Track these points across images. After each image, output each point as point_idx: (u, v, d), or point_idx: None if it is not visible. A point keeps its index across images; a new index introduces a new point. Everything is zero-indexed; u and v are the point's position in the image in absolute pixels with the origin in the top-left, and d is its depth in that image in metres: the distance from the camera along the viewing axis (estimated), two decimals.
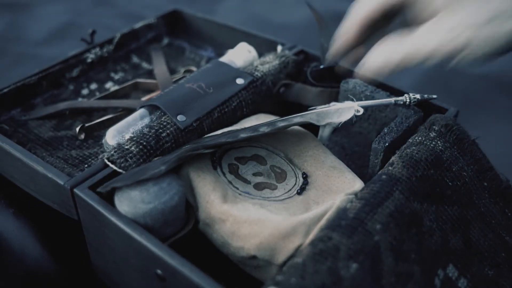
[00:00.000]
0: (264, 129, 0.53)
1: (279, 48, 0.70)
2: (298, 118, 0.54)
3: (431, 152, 0.52)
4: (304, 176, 0.53)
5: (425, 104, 0.60)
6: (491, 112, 0.86)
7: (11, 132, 0.63)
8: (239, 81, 0.60)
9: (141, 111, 0.58)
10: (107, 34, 0.77)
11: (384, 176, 0.48)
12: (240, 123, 0.59)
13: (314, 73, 0.65)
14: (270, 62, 0.65)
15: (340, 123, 0.57)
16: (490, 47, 0.41)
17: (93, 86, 0.72)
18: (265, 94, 0.62)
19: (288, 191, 0.52)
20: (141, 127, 0.56)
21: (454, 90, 0.90)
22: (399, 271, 0.44)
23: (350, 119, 0.54)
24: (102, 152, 0.58)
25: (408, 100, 0.55)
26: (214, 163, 0.51)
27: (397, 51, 0.43)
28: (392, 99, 0.55)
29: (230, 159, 0.53)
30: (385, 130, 0.55)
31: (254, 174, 0.53)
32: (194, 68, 0.74)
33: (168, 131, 0.53)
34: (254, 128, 0.53)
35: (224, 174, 0.51)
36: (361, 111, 0.53)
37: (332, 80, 0.65)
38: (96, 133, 0.63)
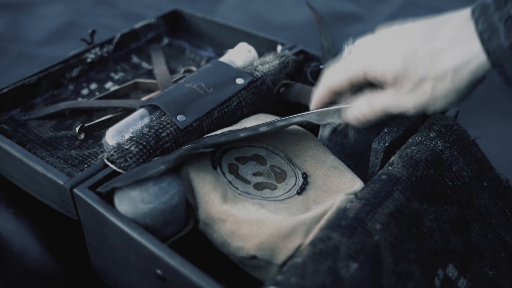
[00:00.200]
0: (264, 129, 0.53)
1: (279, 48, 0.70)
2: (298, 118, 0.54)
3: (431, 152, 0.51)
4: (304, 176, 0.53)
5: None
6: (491, 112, 0.86)
7: (11, 132, 0.63)
8: (239, 81, 0.60)
9: (141, 111, 0.58)
10: (107, 34, 0.77)
11: (384, 176, 0.48)
12: (240, 123, 0.58)
13: (314, 73, 0.65)
14: (270, 62, 0.65)
15: (341, 123, 0.57)
16: (459, 90, 0.44)
17: (93, 86, 0.72)
18: (265, 94, 0.62)
19: (288, 191, 0.52)
20: (141, 127, 0.56)
21: None
22: (399, 271, 0.44)
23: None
24: (102, 152, 0.58)
25: None
26: (214, 163, 0.51)
27: (373, 107, 0.48)
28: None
29: (230, 159, 0.53)
30: (385, 130, 0.55)
31: (254, 174, 0.53)
32: (194, 68, 0.74)
33: (168, 131, 0.53)
34: (254, 128, 0.53)
35: (224, 174, 0.51)
36: None
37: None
38: (96, 133, 0.63)
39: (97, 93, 0.71)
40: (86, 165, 0.58)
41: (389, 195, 0.47)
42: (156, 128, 0.53)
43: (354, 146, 0.65)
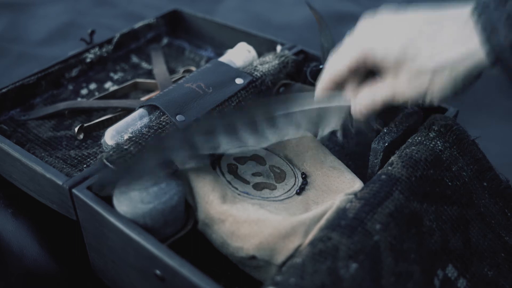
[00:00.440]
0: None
1: (279, 48, 0.70)
2: (292, 129, 0.53)
3: (431, 152, 0.51)
4: (304, 176, 0.53)
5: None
6: (491, 112, 0.86)
7: (10, 132, 0.63)
8: (239, 81, 0.60)
9: (140, 111, 0.58)
10: (107, 34, 0.77)
11: (383, 176, 0.48)
12: None
13: (313, 73, 0.65)
14: (269, 62, 0.64)
15: (338, 128, 0.57)
16: (455, 83, 0.44)
17: (93, 86, 0.72)
18: (264, 94, 0.62)
19: (287, 191, 0.51)
20: (140, 127, 0.56)
21: None
22: (399, 271, 0.44)
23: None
24: (101, 152, 0.58)
25: None
26: (213, 163, 0.51)
27: (376, 95, 0.48)
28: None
29: (229, 159, 0.53)
30: (385, 130, 0.55)
31: (254, 174, 0.52)
32: (193, 68, 0.74)
33: (167, 131, 0.53)
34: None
35: (223, 174, 0.51)
36: None
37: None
38: (95, 133, 0.63)
39: (96, 93, 0.71)
40: (85, 165, 0.58)
41: (388, 195, 0.47)
42: (156, 128, 0.53)
43: (353, 146, 0.65)
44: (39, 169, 0.52)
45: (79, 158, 0.59)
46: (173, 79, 0.71)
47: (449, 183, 0.51)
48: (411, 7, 0.47)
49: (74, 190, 0.49)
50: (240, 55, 0.68)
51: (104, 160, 0.50)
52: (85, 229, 0.51)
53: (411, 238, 0.46)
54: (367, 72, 0.49)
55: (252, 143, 0.51)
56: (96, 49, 0.74)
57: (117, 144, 0.52)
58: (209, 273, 0.42)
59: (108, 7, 1.12)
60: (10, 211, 0.58)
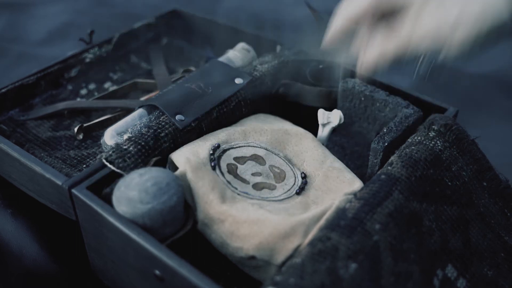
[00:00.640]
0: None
1: (278, 47, 0.70)
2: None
3: (431, 151, 0.51)
4: (303, 176, 0.53)
5: (425, 104, 0.60)
6: (491, 112, 0.86)
7: (9, 132, 0.63)
8: (238, 81, 0.60)
9: (140, 111, 0.58)
10: (106, 34, 0.77)
11: (383, 176, 0.48)
12: (238, 123, 0.58)
13: (313, 73, 0.65)
14: (269, 62, 0.64)
15: (340, 123, 0.57)
16: (478, 30, 0.42)
17: (92, 86, 0.72)
18: (264, 94, 0.62)
19: (287, 191, 0.51)
20: (140, 127, 0.56)
21: (454, 90, 0.90)
22: (398, 271, 0.44)
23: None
24: (101, 152, 0.58)
25: None
26: (213, 163, 0.51)
27: (389, 44, 0.45)
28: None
29: (228, 159, 0.53)
30: (384, 130, 0.55)
31: (253, 174, 0.52)
32: (193, 68, 0.74)
33: (166, 131, 0.53)
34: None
35: (222, 174, 0.51)
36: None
37: (332, 80, 0.65)
38: (94, 133, 0.63)
39: (96, 93, 0.71)
40: (84, 165, 0.58)
41: (388, 195, 0.47)
42: (155, 128, 0.53)
43: (353, 146, 0.65)
44: (38, 169, 0.52)
45: (78, 158, 0.59)
46: (173, 79, 0.70)
47: (449, 183, 0.51)
48: None
49: (73, 190, 0.49)
50: (239, 55, 0.68)
51: (104, 160, 0.50)
52: (85, 229, 0.51)
53: (411, 238, 0.46)
54: (380, 18, 0.47)
55: None
56: (96, 49, 0.74)
57: (117, 144, 0.52)
58: (209, 273, 0.42)
59: (107, 7, 1.12)
60: (9, 211, 0.58)
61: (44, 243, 0.57)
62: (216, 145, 0.53)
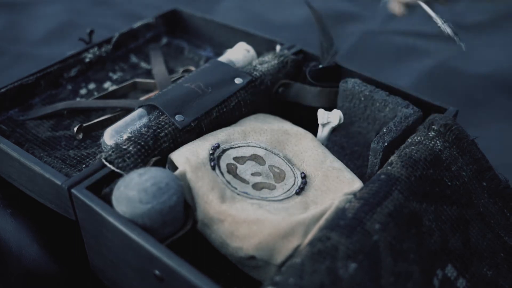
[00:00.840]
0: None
1: (278, 47, 0.70)
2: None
3: (430, 151, 0.51)
4: (303, 176, 0.53)
5: (425, 104, 0.60)
6: (491, 112, 0.86)
7: (9, 132, 0.62)
8: (238, 80, 0.60)
9: (139, 111, 0.58)
10: (106, 33, 0.77)
11: (383, 176, 0.48)
12: (238, 123, 0.58)
13: (313, 73, 0.65)
14: (269, 61, 0.64)
15: (339, 123, 0.57)
16: None
17: (92, 86, 0.72)
18: (263, 93, 0.62)
19: (286, 191, 0.51)
20: (139, 127, 0.56)
21: (454, 90, 0.90)
22: (398, 271, 0.44)
23: None
24: (100, 152, 0.58)
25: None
26: (213, 162, 0.51)
27: None
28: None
29: (228, 159, 0.53)
30: (384, 130, 0.55)
31: (253, 174, 0.52)
32: (192, 68, 0.74)
33: (166, 131, 0.53)
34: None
35: (222, 174, 0.51)
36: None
37: (331, 80, 0.65)
38: (94, 133, 0.63)
39: (95, 93, 0.71)
40: (84, 165, 0.58)
41: (388, 195, 0.46)
42: (155, 128, 0.53)
43: (353, 146, 0.65)
44: (38, 169, 0.52)
45: (78, 158, 0.59)
46: (172, 79, 0.70)
47: (449, 183, 0.51)
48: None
49: (73, 190, 0.49)
50: (239, 54, 0.68)
51: (103, 160, 0.50)
52: (84, 229, 0.51)
53: (411, 238, 0.46)
54: None
55: None
56: (95, 49, 0.74)
57: (116, 144, 0.52)
58: (209, 273, 0.42)
59: (107, 6, 1.12)
60: (9, 211, 0.58)
61: (43, 243, 0.57)
62: (215, 145, 0.53)
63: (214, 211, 0.47)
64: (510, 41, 1.03)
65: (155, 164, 0.51)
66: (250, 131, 0.56)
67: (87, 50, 0.74)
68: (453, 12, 1.03)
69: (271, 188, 0.52)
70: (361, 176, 0.54)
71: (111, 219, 0.45)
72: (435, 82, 0.92)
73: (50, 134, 0.63)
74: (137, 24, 0.80)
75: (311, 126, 0.59)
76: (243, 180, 0.51)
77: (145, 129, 0.53)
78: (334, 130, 0.58)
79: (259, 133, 0.56)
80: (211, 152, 0.52)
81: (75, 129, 0.62)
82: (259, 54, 0.70)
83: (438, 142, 0.52)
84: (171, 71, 0.75)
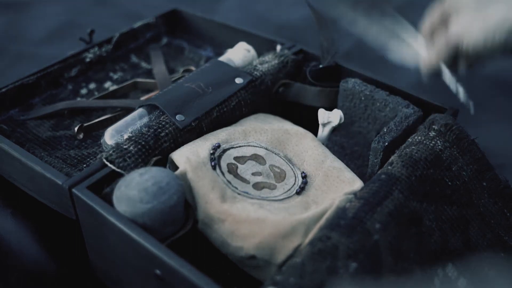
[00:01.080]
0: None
1: (278, 47, 0.70)
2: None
3: (431, 151, 0.51)
4: (304, 175, 0.53)
5: (425, 104, 0.60)
6: (491, 112, 0.86)
7: (9, 132, 0.62)
8: (238, 80, 0.60)
9: (140, 110, 0.58)
10: (106, 33, 0.77)
11: (383, 176, 0.48)
12: (239, 123, 0.58)
13: (313, 73, 0.65)
14: (269, 61, 0.64)
15: (340, 123, 0.57)
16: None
17: (92, 85, 0.72)
18: (264, 93, 0.62)
19: (287, 191, 0.51)
20: (140, 127, 0.56)
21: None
22: (399, 271, 0.44)
23: None
24: (101, 151, 0.58)
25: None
26: (213, 162, 0.51)
27: (443, 42, 0.59)
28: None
29: (229, 158, 0.53)
30: (385, 130, 0.55)
31: (253, 174, 0.52)
32: (193, 68, 0.74)
33: (166, 131, 0.53)
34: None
35: (223, 173, 0.51)
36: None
37: (332, 80, 0.65)
38: (94, 133, 0.63)
39: (96, 93, 0.71)
40: (85, 165, 0.58)
41: (388, 194, 0.47)
42: (155, 127, 0.53)
43: (353, 146, 0.65)
44: (38, 168, 0.52)
45: (78, 158, 0.59)
46: (173, 79, 0.70)
47: (449, 183, 0.51)
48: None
49: (73, 190, 0.49)
50: (239, 54, 0.68)
51: (104, 160, 0.50)
52: (85, 229, 0.51)
53: (411, 238, 0.46)
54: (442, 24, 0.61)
55: None
56: (96, 48, 0.74)
57: (117, 144, 0.52)
58: (209, 273, 0.42)
59: (107, 6, 1.12)
60: (9, 211, 0.58)
61: (44, 243, 0.57)
62: (216, 145, 0.53)
63: (214, 210, 0.47)
64: None
65: (156, 164, 0.51)
66: (250, 130, 0.56)
67: (88, 50, 0.74)
68: None
69: (272, 187, 0.52)
70: (361, 176, 0.54)
71: (111, 219, 0.45)
72: (435, 81, 0.92)
73: (51, 134, 0.63)
74: (137, 24, 0.80)
75: (312, 126, 0.59)
76: (244, 180, 0.51)
77: (146, 129, 0.53)
78: (334, 130, 0.58)
79: (260, 133, 0.56)
80: (211, 151, 0.52)
81: (76, 129, 0.62)
82: (259, 54, 0.70)
83: (438, 142, 0.52)
84: (171, 71, 0.75)
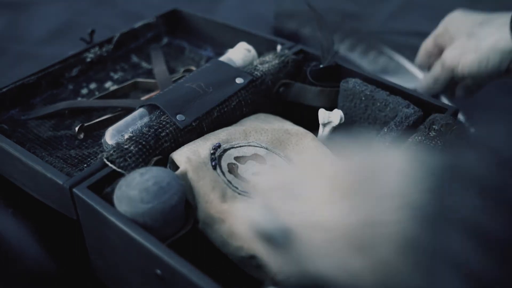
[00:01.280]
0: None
1: (279, 47, 0.70)
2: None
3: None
4: None
5: (425, 104, 0.60)
6: (491, 112, 0.86)
7: (10, 132, 0.63)
8: (239, 80, 0.60)
9: (140, 110, 0.58)
10: (107, 33, 0.77)
11: None
12: (239, 123, 0.58)
13: (313, 73, 0.65)
14: (269, 61, 0.64)
15: (340, 123, 0.57)
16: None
17: (93, 85, 0.72)
18: (264, 93, 0.62)
19: None
20: (140, 127, 0.56)
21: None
22: None
23: None
24: (102, 151, 0.58)
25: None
26: (213, 162, 0.51)
27: (439, 69, 0.69)
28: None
29: (229, 158, 0.53)
30: (385, 130, 0.55)
31: (254, 174, 0.52)
32: (193, 68, 0.74)
33: (167, 131, 0.53)
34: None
35: (223, 173, 0.51)
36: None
37: (332, 80, 0.65)
38: (95, 133, 0.63)
39: (96, 93, 0.71)
40: (85, 165, 0.58)
41: None
42: (156, 127, 0.53)
43: None
44: (39, 168, 0.52)
45: (79, 158, 0.59)
46: (173, 79, 0.71)
47: None
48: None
49: (74, 190, 0.49)
50: (240, 54, 0.68)
51: (105, 160, 0.50)
52: (86, 228, 0.51)
53: None
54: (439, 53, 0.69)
55: None
56: (96, 48, 0.74)
57: (118, 144, 0.52)
58: (209, 273, 0.42)
59: (108, 6, 1.12)
60: (10, 211, 0.58)
61: (44, 243, 0.57)
62: (217, 145, 0.53)
63: (215, 210, 0.47)
64: None
65: (156, 164, 0.51)
66: (251, 130, 0.56)
67: (88, 50, 0.74)
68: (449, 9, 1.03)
69: None
70: None
71: (112, 219, 0.45)
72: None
73: (52, 134, 0.63)
74: (138, 24, 0.80)
75: (312, 126, 0.59)
76: (244, 180, 0.51)
77: (146, 129, 0.53)
78: (334, 129, 0.58)
79: (260, 132, 0.56)
80: (212, 151, 0.52)
81: (77, 128, 0.62)
82: (259, 54, 0.70)
83: (439, 142, 0.52)
84: (172, 71, 0.75)
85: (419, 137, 0.53)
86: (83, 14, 1.09)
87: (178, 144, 0.54)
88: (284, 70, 0.65)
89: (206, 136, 0.55)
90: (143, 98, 0.68)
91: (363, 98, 0.61)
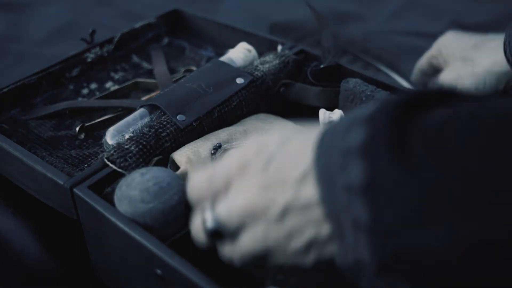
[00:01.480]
0: None
1: (279, 47, 0.70)
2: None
3: None
4: None
5: None
6: None
7: (10, 132, 0.63)
8: (239, 80, 0.60)
9: (141, 110, 0.58)
10: (107, 33, 0.77)
11: None
12: (240, 123, 0.58)
13: (314, 73, 0.65)
14: (270, 61, 0.64)
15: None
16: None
17: (93, 85, 0.72)
18: (265, 93, 0.62)
19: None
20: (141, 127, 0.56)
21: None
22: None
23: None
24: (102, 151, 0.58)
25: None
26: (214, 162, 0.51)
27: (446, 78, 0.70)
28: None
29: None
30: None
31: None
32: (194, 68, 0.74)
33: (168, 131, 0.53)
34: None
35: None
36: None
37: (332, 80, 0.65)
38: (96, 133, 0.63)
39: (97, 93, 0.71)
40: (86, 165, 0.58)
41: None
42: (156, 127, 0.53)
43: None
44: (40, 168, 0.52)
45: (80, 158, 0.59)
46: (174, 79, 0.71)
47: None
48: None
49: (75, 190, 0.49)
50: (240, 54, 0.68)
51: (105, 160, 0.50)
52: (86, 228, 0.51)
53: None
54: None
55: None
56: (97, 48, 0.74)
57: (118, 144, 0.52)
58: (209, 273, 0.42)
59: (108, 7, 1.12)
60: (11, 211, 0.58)
61: (45, 242, 0.57)
62: (217, 145, 0.53)
63: None
64: None
65: (157, 164, 0.51)
66: (251, 131, 0.56)
67: (89, 50, 0.74)
68: (454, 12, 1.03)
69: None
70: None
71: (113, 219, 0.45)
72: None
73: (52, 134, 0.63)
74: (138, 24, 0.80)
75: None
76: None
77: (147, 129, 0.53)
78: None
79: (261, 133, 0.56)
80: (212, 152, 0.52)
81: (77, 128, 0.62)
82: (260, 54, 0.70)
83: None
84: (172, 71, 0.75)
85: None
86: (84, 15, 1.09)
87: (179, 144, 0.54)
88: (285, 70, 0.65)
89: (207, 136, 0.55)
90: (143, 98, 0.68)
91: (364, 98, 0.61)
